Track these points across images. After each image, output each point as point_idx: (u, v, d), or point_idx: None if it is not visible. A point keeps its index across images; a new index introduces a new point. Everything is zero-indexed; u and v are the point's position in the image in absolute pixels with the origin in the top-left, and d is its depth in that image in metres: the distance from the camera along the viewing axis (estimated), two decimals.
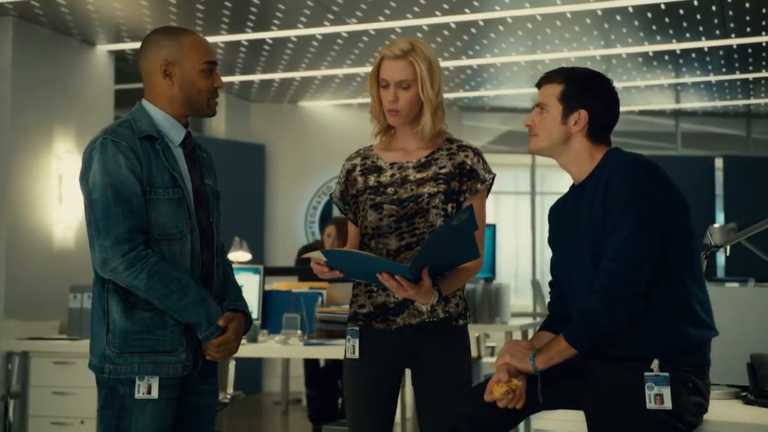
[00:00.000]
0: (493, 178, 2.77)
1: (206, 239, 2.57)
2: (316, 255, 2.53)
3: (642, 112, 10.69)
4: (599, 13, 6.81)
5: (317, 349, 4.48)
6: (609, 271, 2.35)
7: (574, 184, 2.61)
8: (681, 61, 8.28)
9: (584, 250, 2.46)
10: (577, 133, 2.52)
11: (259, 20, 6.90)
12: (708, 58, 8.22)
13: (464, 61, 8.24)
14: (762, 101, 10.20)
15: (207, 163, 2.70)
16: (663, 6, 6.63)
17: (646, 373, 2.31)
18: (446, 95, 8.61)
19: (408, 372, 2.81)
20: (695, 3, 6.57)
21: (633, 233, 2.34)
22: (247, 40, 7.47)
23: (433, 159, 2.76)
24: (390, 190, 2.75)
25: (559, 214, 2.65)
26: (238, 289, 2.67)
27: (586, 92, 2.52)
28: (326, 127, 10.11)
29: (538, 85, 2.60)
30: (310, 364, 6.44)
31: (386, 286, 2.52)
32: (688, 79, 9.04)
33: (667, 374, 2.30)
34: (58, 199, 6.98)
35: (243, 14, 6.75)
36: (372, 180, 2.79)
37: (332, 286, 5.55)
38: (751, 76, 8.91)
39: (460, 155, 2.76)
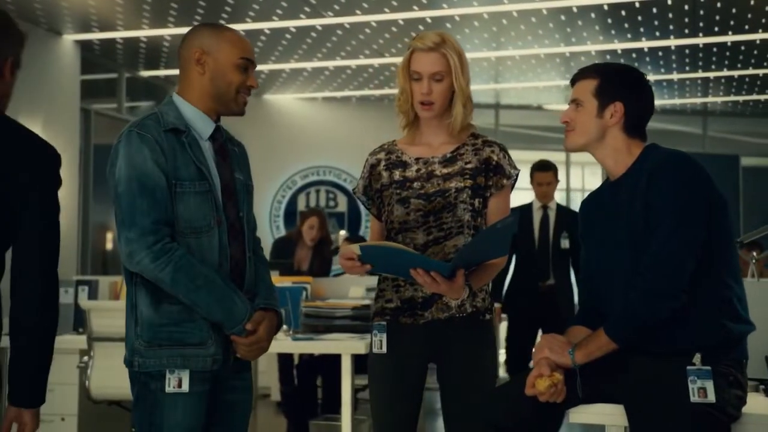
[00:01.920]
0: (518, 174, 2.77)
1: (235, 233, 2.53)
2: (353, 249, 2.50)
3: None
4: (575, 10, 6.87)
5: (310, 344, 4.44)
6: (651, 266, 2.37)
7: (608, 179, 2.62)
8: (647, 59, 8.40)
9: (623, 245, 2.46)
10: (613, 127, 2.53)
11: (234, 12, 6.81)
12: (673, 57, 8.35)
13: None
14: (719, 99, 10.40)
15: (239, 157, 2.67)
16: (637, 4, 6.72)
17: (688, 367, 2.33)
18: None
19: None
20: (668, 2, 6.67)
21: (676, 229, 2.35)
22: None
23: (459, 154, 2.75)
24: (416, 184, 2.73)
25: (593, 209, 2.66)
26: (270, 286, 2.62)
27: (620, 85, 2.53)
28: (291, 121, 10.03)
29: (572, 82, 2.61)
30: (284, 360, 6.38)
31: (418, 281, 2.50)
32: (651, 77, 9.16)
33: (709, 368, 2.32)
34: None
35: (218, 5, 6.66)
36: (397, 174, 2.76)
37: (317, 280, 5.52)
38: (711, 74, 9.08)
39: (485, 151, 2.75)
